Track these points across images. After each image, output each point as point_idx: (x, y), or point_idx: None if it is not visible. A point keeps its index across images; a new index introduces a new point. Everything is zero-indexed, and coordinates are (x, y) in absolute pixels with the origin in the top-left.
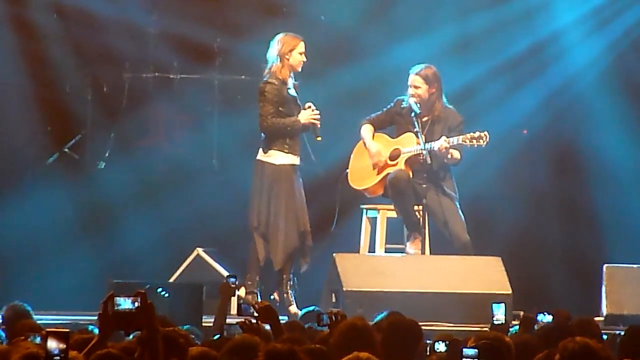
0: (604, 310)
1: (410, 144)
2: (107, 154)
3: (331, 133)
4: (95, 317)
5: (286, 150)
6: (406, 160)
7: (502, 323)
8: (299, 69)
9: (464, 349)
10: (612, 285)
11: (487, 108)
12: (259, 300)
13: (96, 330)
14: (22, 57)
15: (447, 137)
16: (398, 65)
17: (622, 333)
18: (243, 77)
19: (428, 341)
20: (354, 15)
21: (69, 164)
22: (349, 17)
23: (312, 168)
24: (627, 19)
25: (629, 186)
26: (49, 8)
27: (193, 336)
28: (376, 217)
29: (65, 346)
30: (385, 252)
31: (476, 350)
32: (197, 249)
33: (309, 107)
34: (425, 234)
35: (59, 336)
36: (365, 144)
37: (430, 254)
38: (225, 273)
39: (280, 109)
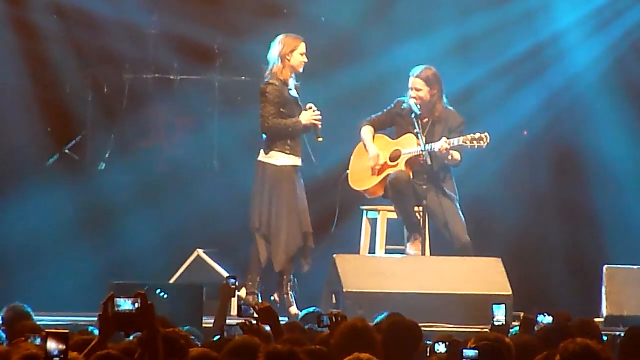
0: (604, 311)
1: (410, 145)
2: (107, 155)
3: (331, 134)
4: (95, 318)
5: (287, 151)
6: (406, 161)
7: (502, 324)
8: (300, 70)
9: (464, 350)
10: (612, 286)
11: (487, 109)
12: (260, 301)
13: (96, 331)
14: (23, 58)
15: (448, 138)
16: (398, 66)
17: (622, 334)
18: (243, 77)
19: (428, 342)
20: (354, 16)
21: (69, 164)
22: (349, 18)
23: (312, 169)
24: (627, 20)
25: (629, 187)
26: (49, 9)
27: (193, 337)
28: (376, 218)
29: (64, 347)
30: (386, 253)
31: (476, 351)
32: (197, 249)
33: (310, 107)
34: (425, 234)
35: (58, 337)
36: (365, 146)
37: (431, 254)
38: (225, 274)
39: (282, 109)
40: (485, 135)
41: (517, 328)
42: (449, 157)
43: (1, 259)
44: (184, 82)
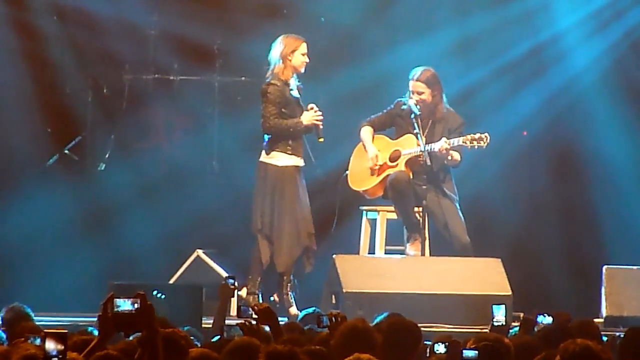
0: (604, 312)
1: (410, 146)
2: (107, 156)
3: (331, 134)
4: (95, 319)
5: (289, 152)
6: (406, 162)
7: (502, 324)
8: (302, 70)
9: (464, 351)
10: (612, 287)
11: (487, 110)
12: (260, 301)
13: (96, 332)
14: (23, 59)
15: (448, 139)
16: (398, 67)
17: (622, 335)
18: (243, 78)
19: (428, 342)
20: (354, 17)
21: (69, 165)
22: (349, 19)
23: (311, 169)
24: (627, 20)
25: (629, 187)
26: (49, 10)
27: (193, 337)
28: (376, 219)
29: (63, 347)
30: (385, 253)
31: (476, 351)
32: (197, 250)
33: (312, 108)
34: (425, 235)
35: (57, 337)
36: (364, 147)
37: (430, 255)
38: (225, 274)
39: (283, 110)
40: (486, 136)
41: (517, 329)
42: (449, 157)
43: (1, 259)
44: (184, 83)
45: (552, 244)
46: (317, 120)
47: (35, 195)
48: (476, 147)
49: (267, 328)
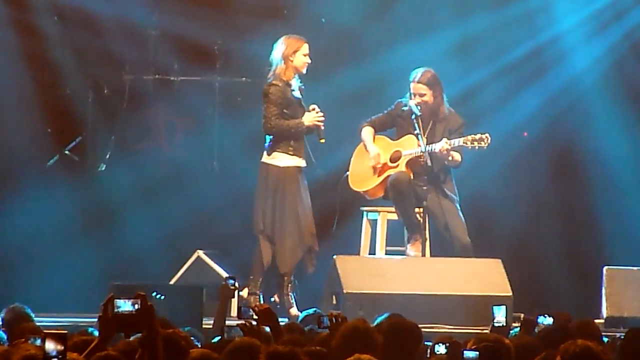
0: (604, 313)
1: (411, 146)
2: (107, 156)
3: (332, 135)
4: (96, 319)
5: (291, 152)
6: (407, 162)
7: (502, 325)
8: (303, 71)
9: (465, 351)
10: (612, 288)
11: (487, 110)
12: (261, 302)
13: (96, 333)
14: (23, 59)
15: (448, 139)
16: (399, 67)
17: (623, 335)
18: (244, 79)
19: (428, 343)
20: (354, 17)
21: (69, 166)
22: (349, 19)
23: (312, 170)
24: (627, 21)
25: (629, 188)
26: (49, 10)
27: (193, 338)
28: (377, 219)
29: (63, 348)
30: (386, 254)
31: (477, 352)
32: (198, 251)
33: (314, 109)
34: (425, 236)
35: (56, 338)
36: (365, 147)
37: (431, 256)
38: (225, 275)
39: (285, 110)
40: (486, 136)
41: (518, 329)
42: (450, 158)
43: (1, 260)
44: (185, 83)
45: (553, 244)
46: (318, 121)
47: (35, 195)
48: (477, 147)
49: (267, 329)
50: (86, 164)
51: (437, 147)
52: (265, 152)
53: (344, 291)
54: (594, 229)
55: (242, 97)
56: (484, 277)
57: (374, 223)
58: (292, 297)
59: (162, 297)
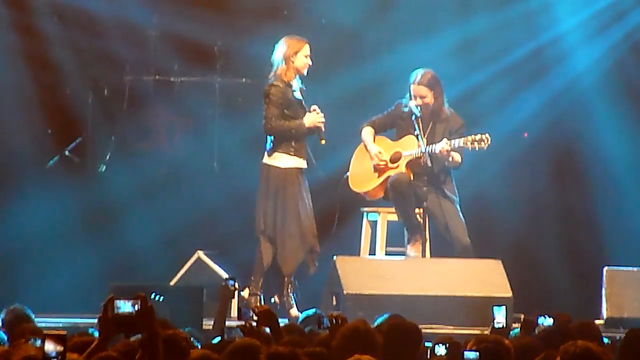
0: (605, 313)
1: (411, 147)
2: (107, 157)
3: (332, 135)
4: (96, 320)
5: (292, 153)
6: (407, 163)
7: (502, 326)
8: (304, 72)
9: (465, 352)
10: (613, 288)
11: (487, 111)
12: (262, 302)
13: (96, 333)
14: (23, 60)
15: (448, 140)
16: (399, 68)
17: (623, 336)
18: (244, 79)
19: (428, 344)
20: (355, 18)
21: (69, 166)
22: (350, 20)
23: (312, 170)
24: (627, 22)
25: (629, 189)
26: (50, 11)
27: (193, 339)
28: (377, 220)
29: (62, 348)
30: (386, 255)
31: (477, 353)
32: (198, 251)
33: (314, 110)
34: (425, 236)
35: (56, 338)
36: (366, 146)
37: (431, 256)
38: (225, 276)
39: (286, 111)
40: (487, 137)
41: (518, 330)
42: (450, 158)
43: (2, 261)
44: (185, 84)
45: (553, 245)
46: (319, 122)
47: (35, 196)
48: (477, 148)
49: (267, 330)
50: (86, 165)
51: (437, 147)
52: (266, 153)
53: (344, 292)
54: (594, 230)
55: (242, 98)
56: (484, 277)
57: (374, 224)
58: (292, 298)
59: (161, 298)
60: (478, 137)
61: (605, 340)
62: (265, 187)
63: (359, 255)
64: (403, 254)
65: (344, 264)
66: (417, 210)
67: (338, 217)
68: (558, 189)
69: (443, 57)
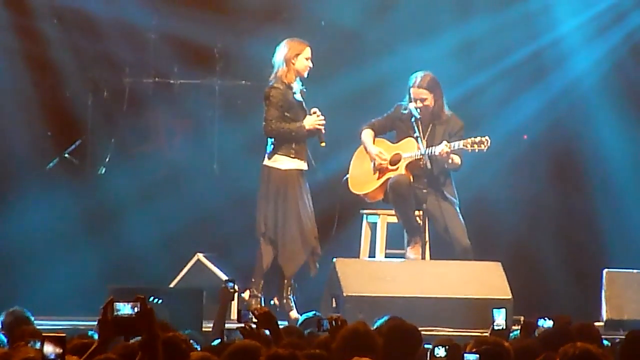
0: (604, 315)
1: (410, 149)
2: (107, 159)
3: (332, 138)
4: (95, 322)
5: (292, 155)
6: (407, 165)
7: (502, 328)
8: (305, 74)
9: (465, 354)
10: (612, 290)
11: (487, 113)
12: (262, 304)
13: (96, 336)
14: (23, 62)
15: (448, 142)
16: (399, 70)
17: (622, 338)
18: (244, 82)
19: (428, 346)
20: (354, 20)
21: (69, 169)
22: (349, 22)
23: (312, 172)
24: (627, 24)
25: (629, 190)
26: (49, 13)
27: (193, 341)
28: (376, 222)
29: (62, 351)
30: (386, 257)
31: (476, 355)
32: (198, 254)
33: (315, 112)
34: (425, 239)
35: (55, 341)
36: (366, 148)
37: (431, 259)
38: (225, 278)
39: (286, 113)
40: (486, 139)
41: (518, 332)
42: (450, 161)
43: (1, 263)
44: (184, 86)
45: (553, 247)
46: (319, 124)
47: (35, 198)
48: (477, 150)
49: (267, 332)
50: (86, 167)
51: (436, 150)
52: (266, 155)
53: (344, 294)
54: (594, 232)
55: (242, 100)
56: (484, 279)
57: (373, 226)
58: (292, 300)
59: (160, 301)
60: (478, 139)
61: (605, 342)
62: (265, 189)
63: (358, 257)
64: (403, 256)
65: (343, 266)
66: (416, 212)
67: (338, 219)
68: (558, 191)
69: (443, 58)
